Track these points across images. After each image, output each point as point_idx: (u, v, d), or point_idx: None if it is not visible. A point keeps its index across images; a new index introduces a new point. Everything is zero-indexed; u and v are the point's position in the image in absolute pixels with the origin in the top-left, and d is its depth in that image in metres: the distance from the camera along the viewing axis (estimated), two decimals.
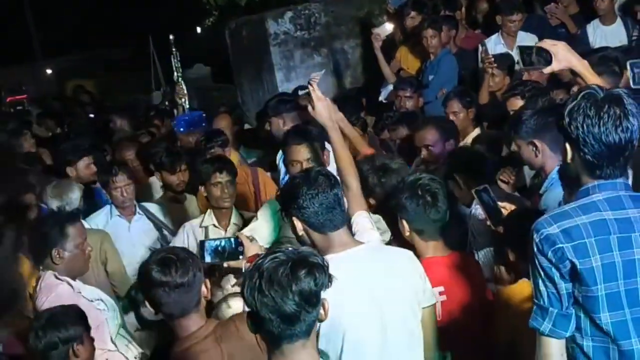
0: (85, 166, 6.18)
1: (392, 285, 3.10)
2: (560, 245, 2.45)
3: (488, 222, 3.79)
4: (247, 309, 2.31)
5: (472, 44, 7.85)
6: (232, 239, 3.69)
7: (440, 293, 3.43)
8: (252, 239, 3.35)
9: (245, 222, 4.85)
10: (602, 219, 2.47)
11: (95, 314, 3.81)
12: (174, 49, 6.47)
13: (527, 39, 7.14)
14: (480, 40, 7.75)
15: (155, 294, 2.97)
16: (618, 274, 2.48)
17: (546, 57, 3.56)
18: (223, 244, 3.67)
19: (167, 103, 11.30)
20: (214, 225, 4.87)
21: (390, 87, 7.62)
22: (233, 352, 3.03)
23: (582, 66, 3.62)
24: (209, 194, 4.85)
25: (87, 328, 3.45)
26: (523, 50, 3.69)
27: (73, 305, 3.59)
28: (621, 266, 2.48)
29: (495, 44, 7.22)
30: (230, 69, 10.50)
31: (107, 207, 5.51)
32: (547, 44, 3.62)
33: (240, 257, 3.45)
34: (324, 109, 3.91)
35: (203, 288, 3.07)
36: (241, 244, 3.62)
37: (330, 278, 2.25)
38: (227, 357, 3.01)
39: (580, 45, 6.46)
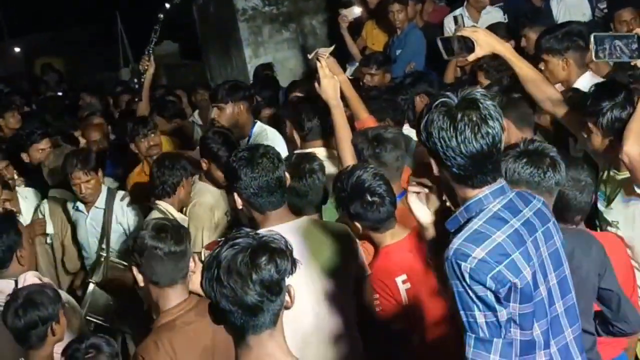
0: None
1: (325, 257, 3.18)
2: (498, 268, 2.25)
3: None
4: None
5: (439, 17, 7.86)
6: None
7: (404, 281, 3.39)
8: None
9: None
10: (514, 229, 2.32)
11: None
12: (157, 26, 6.46)
13: (492, 12, 7.18)
14: (447, 14, 7.76)
15: (147, 259, 2.96)
16: (539, 279, 2.36)
17: (468, 45, 3.51)
18: None
19: (135, 81, 11.20)
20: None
21: (356, 63, 7.61)
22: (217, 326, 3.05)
23: (505, 50, 3.63)
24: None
25: (62, 306, 3.44)
26: (443, 40, 3.60)
27: (47, 284, 3.57)
28: (539, 270, 2.37)
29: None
30: (199, 46, 10.44)
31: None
32: (467, 31, 3.57)
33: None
34: (329, 87, 3.91)
35: (191, 263, 3.08)
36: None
37: (294, 263, 2.14)
38: (213, 331, 2.97)
39: (544, 18, 6.51)
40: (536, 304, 2.34)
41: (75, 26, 23.02)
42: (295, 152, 4.24)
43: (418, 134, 2.38)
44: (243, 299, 2.06)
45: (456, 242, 2.30)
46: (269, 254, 2.09)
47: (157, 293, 3.04)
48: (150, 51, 6.42)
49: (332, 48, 4.18)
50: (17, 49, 24.22)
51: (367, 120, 4.24)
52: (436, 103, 2.30)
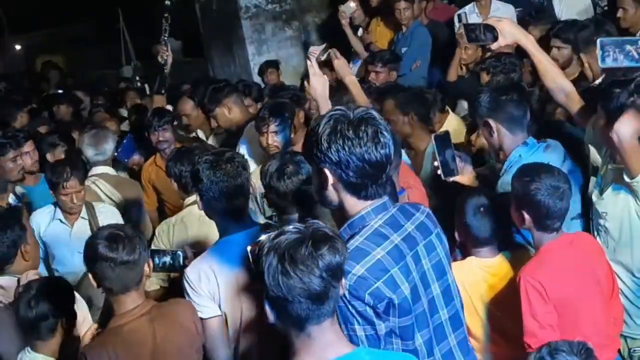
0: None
1: None
2: (375, 284, 2.32)
3: (439, 171, 3.86)
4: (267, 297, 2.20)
5: (442, 15, 7.90)
6: (179, 254, 3.66)
7: None
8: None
9: None
10: (395, 245, 2.43)
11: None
12: (166, 14, 6.53)
13: (502, 8, 7.17)
14: (450, 12, 7.80)
15: (99, 268, 3.03)
16: (420, 291, 2.47)
17: (493, 33, 3.62)
18: (169, 259, 3.72)
19: (137, 78, 11.21)
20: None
21: (360, 62, 7.63)
22: (167, 332, 3.10)
23: (528, 41, 3.71)
24: None
25: (74, 301, 3.45)
26: (468, 27, 3.72)
27: (60, 277, 3.57)
28: (420, 282, 2.48)
29: (469, 13, 7.21)
30: (202, 43, 10.46)
31: (52, 206, 5.06)
32: (492, 20, 3.70)
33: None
34: (318, 85, 3.94)
35: (145, 267, 3.14)
36: (187, 258, 3.59)
37: (346, 247, 2.21)
38: (159, 337, 3.08)
39: (546, 15, 6.55)
40: (417, 316, 2.44)
41: (76, 23, 22.98)
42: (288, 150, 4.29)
43: (310, 146, 2.42)
44: (310, 287, 2.10)
45: None
46: (330, 242, 2.15)
47: (112, 299, 3.11)
48: (166, 39, 6.45)
49: (323, 46, 4.23)
50: (17, 46, 24.19)
51: None
52: (334, 116, 2.39)
